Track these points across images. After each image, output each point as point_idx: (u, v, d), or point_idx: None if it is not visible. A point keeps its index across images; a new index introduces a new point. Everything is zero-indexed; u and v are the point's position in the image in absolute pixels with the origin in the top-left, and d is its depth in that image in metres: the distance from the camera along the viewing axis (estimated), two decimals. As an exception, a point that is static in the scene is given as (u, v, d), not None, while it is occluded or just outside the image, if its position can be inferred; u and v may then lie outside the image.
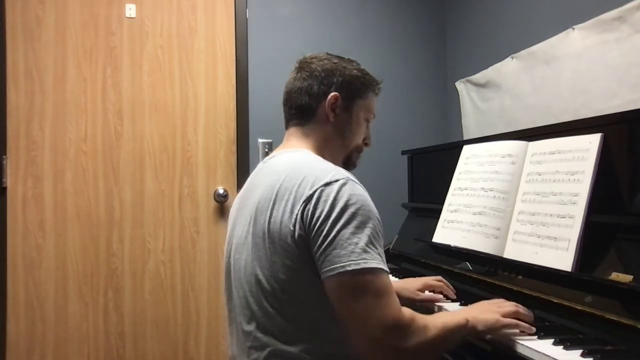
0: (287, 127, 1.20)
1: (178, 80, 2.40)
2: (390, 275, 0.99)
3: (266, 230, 1.00)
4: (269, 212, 1.01)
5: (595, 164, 1.20)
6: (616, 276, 1.07)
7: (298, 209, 0.96)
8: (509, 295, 1.32)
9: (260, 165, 1.18)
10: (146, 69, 2.37)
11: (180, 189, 2.39)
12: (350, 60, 1.20)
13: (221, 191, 2.41)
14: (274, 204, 1.01)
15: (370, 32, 2.70)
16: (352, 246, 0.92)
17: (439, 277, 1.48)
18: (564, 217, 1.22)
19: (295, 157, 1.09)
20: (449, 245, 1.60)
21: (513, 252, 1.37)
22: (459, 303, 1.39)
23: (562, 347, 1.00)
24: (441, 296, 1.42)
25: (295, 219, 0.96)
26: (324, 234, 0.93)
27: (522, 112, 2.12)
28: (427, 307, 1.41)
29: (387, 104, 2.56)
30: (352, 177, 1.00)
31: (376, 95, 1.22)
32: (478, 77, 2.44)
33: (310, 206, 0.95)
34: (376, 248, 0.95)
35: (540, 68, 2.01)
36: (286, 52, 2.53)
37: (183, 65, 2.41)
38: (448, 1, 2.79)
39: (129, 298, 2.32)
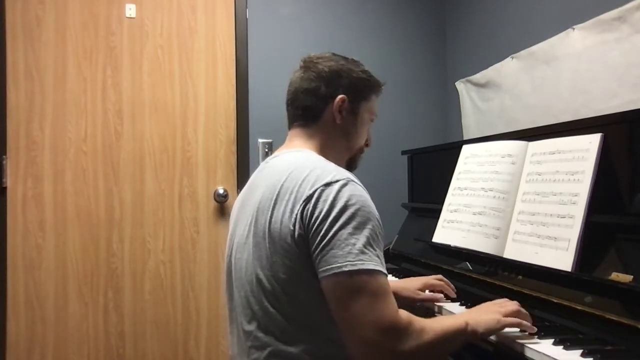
0: (290, 127, 1.20)
1: (178, 80, 2.40)
2: (390, 276, 0.99)
3: (267, 230, 1.00)
4: (270, 212, 1.01)
5: (595, 164, 1.20)
6: (616, 276, 1.07)
7: (298, 208, 0.96)
8: (509, 295, 1.31)
9: (262, 164, 1.18)
10: (146, 69, 2.37)
11: (180, 189, 2.39)
12: (355, 62, 1.20)
13: (221, 191, 2.41)
14: (275, 203, 1.00)
15: (370, 32, 2.70)
16: (350, 247, 0.91)
17: (440, 276, 1.47)
18: (564, 217, 1.22)
19: (298, 157, 1.09)
20: (449, 245, 1.60)
21: (513, 252, 1.37)
22: (459, 303, 1.39)
23: (562, 347, 1.00)
24: (441, 295, 1.41)
25: (295, 219, 0.96)
26: (322, 233, 0.93)
27: (522, 112, 2.12)
28: (427, 306, 1.41)
29: (387, 104, 2.56)
30: (353, 178, 1.00)
31: (378, 96, 1.23)
32: (478, 77, 2.44)
33: (310, 206, 0.95)
34: (374, 249, 0.94)
35: (540, 68, 2.01)
36: (286, 52, 2.54)
37: (183, 65, 2.41)
38: (448, 1, 2.79)
39: (129, 298, 2.32)
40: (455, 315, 1.17)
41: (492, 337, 1.09)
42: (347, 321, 0.92)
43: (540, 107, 2.01)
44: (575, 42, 1.82)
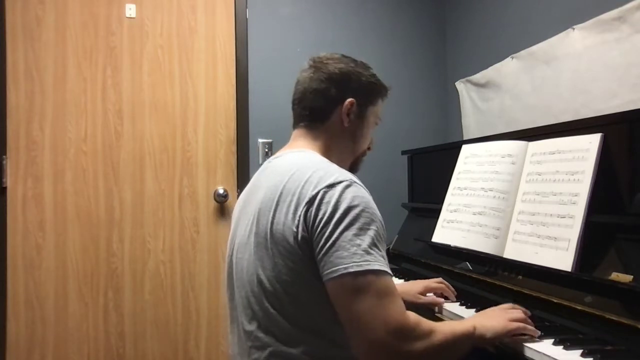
0: (295, 127, 1.19)
1: (178, 80, 2.40)
2: (393, 278, 0.99)
3: (269, 231, 1.00)
4: (272, 213, 1.00)
5: (595, 164, 1.20)
6: (616, 276, 1.07)
7: (301, 210, 0.96)
8: (509, 295, 1.32)
9: (264, 164, 1.17)
10: (146, 69, 2.37)
11: (180, 189, 2.39)
12: (364, 65, 1.19)
13: (221, 191, 2.41)
14: (277, 204, 1.00)
15: (370, 32, 2.70)
16: (355, 248, 0.91)
17: (440, 279, 1.47)
18: (564, 217, 1.22)
19: (300, 158, 1.08)
20: (449, 245, 1.60)
21: (513, 252, 1.37)
22: (458, 303, 1.39)
23: (562, 347, 1.00)
24: (442, 299, 1.41)
25: (298, 221, 0.96)
26: (326, 235, 0.93)
27: (522, 112, 2.12)
28: (428, 309, 1.41)
29: (387, 104, 2.55)
30: (355, 179, 1.00)
31: (384, 101, 1.23)
32: (478, 77, 2.44)
33: (313, 208, 0.95)
34: (379, 250, 0.94)
35: (540, 68, 2.01)
36: (286, 52, 2.54)
37: (183, 65, 2.41)
38: (448, 1, 2.79)
39: (129, 298, 2.32)
40: (462, 320, 1.15)
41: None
42: (354, 322, 0.90)
43: (540, 107, 2.01)
44: (575, 42, 1.82)
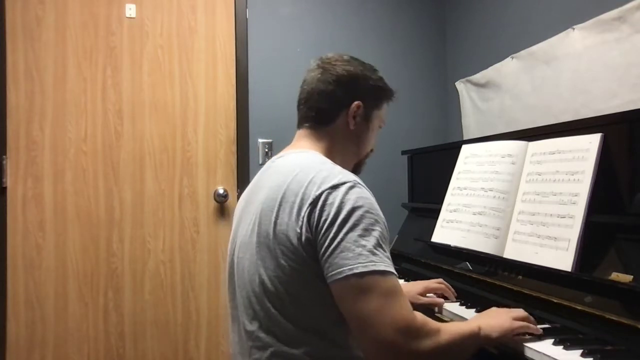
0: (299, 127, 1.18)
1: (178, 80, 2.40)
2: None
3: (272, 231, 0.99)
4: (274, 214, 1.00)
5: (595, 164, 1.20)
6: (616, 276, 1.07)
7: (304, 211, 0.96)
8: (509, 295, 1.32)
9: (267, 164, 1.17)
10: (146, 69, 2.37)
11: (180, 189, 2.39)
12: (371, 68, 1.19)
13: (221, 191, 2.41)
14: (280, 205, 1.00)
15: (370, 32, 2.70)
16: (360, 249, 0.91)
17: (440, 280, 1.47)
18: (564, 217, 1.22)
19: (303, 159, 1.08)
20: (449, 245, 1.60)
21: (513, 252, 1.37)
22: (458, 303, 1.39)
23: (562, 347, 1.00)
24: (442, 300, 1.41)
25: (302, 222, 0.95)
26: (330, 237, 0.92)
27: (522, 112, 2.12)
28: (428, 309, 1.41)
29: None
30: (359, 181, 1.00)
31: (388, 104, 1.23)
32: (478, 77, 2.44)
33: (317, 209, 0.94)
34: (384, 251, 0.94)
35: (540, 68, 2.01)
36: (286, 52, 2.54)
37: (183, 65, 2.41)
38: (448, 1, 2.79)
39: (129, 298, 2.32)
40: (467, 320, 1.15)
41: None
42: (362, 322, 0.90)
43: (540, 107, 2.01)
44: (575, 42, 1.82)
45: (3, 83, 2.20)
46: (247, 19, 2.48)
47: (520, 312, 1.10)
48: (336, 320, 0.97)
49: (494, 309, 1.15)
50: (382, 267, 0.91)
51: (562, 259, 1.19)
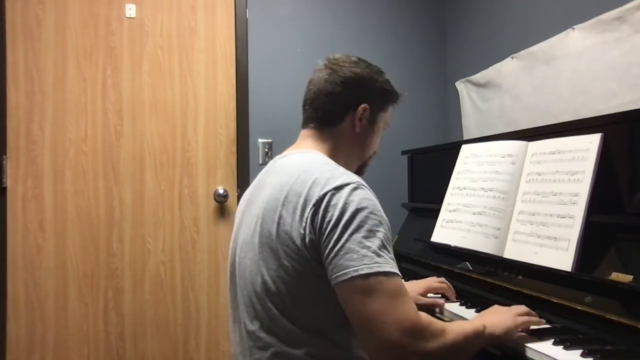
0: (304, 127, 1.17)
1: (178, 80, 2.40)
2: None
3: (274, 231, 0.99)
4: (277, 214, 1.00)
5: (595, 164, 1.20)
6: (616, 276, 1.07)
7: (308, 212, 0.95)
8: (509, 295, 1.32)
9: (270, 163, 1.16)
10: (146, 69, 2.37)
11: (180, 189, 2.39)
12: (379, 70, 1.19)
13: (221, 191, 2.41)
14: (283, 205, 0.99)
15: (370, 32, 2.70)
16: (365, 250, 0.90)
17: (442, 279, 1.47)
18: (564, 217, 1.22)
19: (307, 159, 1.07)
20: (449, 245, 1.60)
21: (513, 252, 1.37)
22: (458, 303, 1.39)
23: (562, 347, 1.00)
24: (443, 301, 1.41)
25: (306, 223, 0.95)
26: (334, 238, 0.92)
27: (522, 112, 2.12)
28: (429, 309, 1.40)
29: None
30: (362, 182, 0.99)
31: (394, 107, 1.23)
32: (478, 77, 2.44)
33: (321, 210, 0.94)
34: (389, 252, 0.94)
35: (540, 68, 2.01)
36: (286, 52, 2.54)
37: (183, 65, 2.41)
38: (448, 1, 2.79)
39: (129, 298, 2.32)
40: (471, 319, 1.15)
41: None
42: (367, 323, 0.90)
43: (540, 107, 2.01)
44: (575, 42, 1.82)
45: (3, 83, 2.19)
46: (247, 19, 2.48)
47: (522, 308, 1.10)
48: (338, 321, 0.97)
49: (496, 306, 1.15)
50: (387, 269, 0.91)
51: (562, 259, 1.19)
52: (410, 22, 2.77)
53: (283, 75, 2.51)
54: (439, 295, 1.46)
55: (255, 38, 2.50)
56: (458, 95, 2.63)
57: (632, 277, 1.04)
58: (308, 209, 0.95)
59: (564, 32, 1.87)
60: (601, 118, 1.34)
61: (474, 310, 1.32)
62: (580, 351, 0.97)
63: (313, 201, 0.95)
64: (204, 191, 2.42)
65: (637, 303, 1.00)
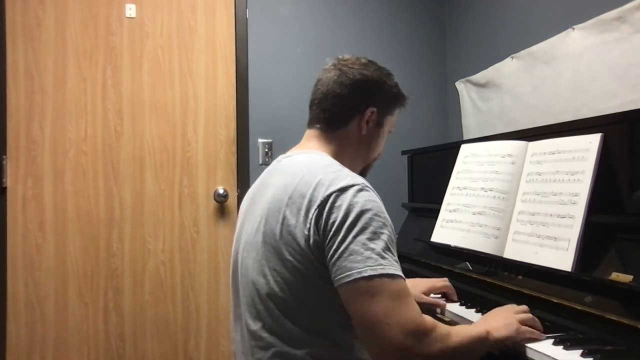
0: (309, 127, 1.17)
1: (178, 80, 2.40)
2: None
3: (278, 232, 0.99)
4: (281, 214, 0.99)
5: (595, 164, 1.20)
6: (616, 276, 1.07)
7: (312, 213, 0.95)
8: (509, 295, 1.32)
9: (274, 163, 1.16)
10: (146, 69, 2.37)
11: (180, 189, 2.39)
12: (388, 73, 1.18)
13: (221, 191, 2.41)
14: (287, 206, 0.99)
15: (370, 32, 2.70)
16: (369, 252, 0.90)
17: (445, 279, 1.46)
18: (564, 217, 1.22)
19: (311, 159, 1.07)
20: (449, 245, 1.60)
21: (513, 252, 1.37)
22: (459, 303, 1.39)
23: (562, 347, 1.00)
24: (444, 302, 1.40)
25: (310, 224, 0.95)
26: (339, 240, 0.92)
27: (522, 112, 2.12)
28: (429, 310, 1.40)
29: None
30: (367, 184, 0.99)
31: (401, 110, 1.23)
32: (478, 77, 2.44)
33: (325, 211, 0.94)
34: (393, 254, 0.94)
35: (540, 68, 2.01)
36: (286, 52, 2.54)
37: (183, 65, 2.41)
38: (448, 1, 2.79)
39: (129, 298, 2.32)
40: (475, 323, 1.14)
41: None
42: (370, 325, 0.89)
43: (540, 107, 2.01)
44: (575, 42, 1.82)
45: (3, 83, 2.19)
46: (247, 19, 2.48)
47: (526, 315, 1.08)
48: (340, 322, 0.97)
49: (499, 308, 1.14)
50: (390, 271, 0.91)
51: (562, 259, 1.19)
52: (410, 22, 2.77)
53: (283, 75, 2.51)
54: (440, 296, 1.46)
55: (255, 38, 2.50)
56: (458, 95, 2.63)
57: (632, 277, 1.04)
58: (312, 210, 0.95)
59: (564, 32, 1.87)
60: (601, 118, 1.34)
61: (473, 310, 1.32)
62: (580, 351, 0.97)
63: (317, 202, 0.95)
64: (204, 191, 2.42)
65: (637, 303, 1.00)
